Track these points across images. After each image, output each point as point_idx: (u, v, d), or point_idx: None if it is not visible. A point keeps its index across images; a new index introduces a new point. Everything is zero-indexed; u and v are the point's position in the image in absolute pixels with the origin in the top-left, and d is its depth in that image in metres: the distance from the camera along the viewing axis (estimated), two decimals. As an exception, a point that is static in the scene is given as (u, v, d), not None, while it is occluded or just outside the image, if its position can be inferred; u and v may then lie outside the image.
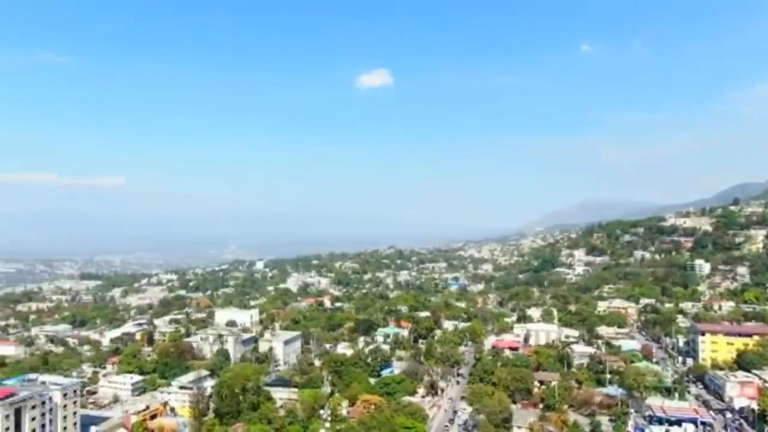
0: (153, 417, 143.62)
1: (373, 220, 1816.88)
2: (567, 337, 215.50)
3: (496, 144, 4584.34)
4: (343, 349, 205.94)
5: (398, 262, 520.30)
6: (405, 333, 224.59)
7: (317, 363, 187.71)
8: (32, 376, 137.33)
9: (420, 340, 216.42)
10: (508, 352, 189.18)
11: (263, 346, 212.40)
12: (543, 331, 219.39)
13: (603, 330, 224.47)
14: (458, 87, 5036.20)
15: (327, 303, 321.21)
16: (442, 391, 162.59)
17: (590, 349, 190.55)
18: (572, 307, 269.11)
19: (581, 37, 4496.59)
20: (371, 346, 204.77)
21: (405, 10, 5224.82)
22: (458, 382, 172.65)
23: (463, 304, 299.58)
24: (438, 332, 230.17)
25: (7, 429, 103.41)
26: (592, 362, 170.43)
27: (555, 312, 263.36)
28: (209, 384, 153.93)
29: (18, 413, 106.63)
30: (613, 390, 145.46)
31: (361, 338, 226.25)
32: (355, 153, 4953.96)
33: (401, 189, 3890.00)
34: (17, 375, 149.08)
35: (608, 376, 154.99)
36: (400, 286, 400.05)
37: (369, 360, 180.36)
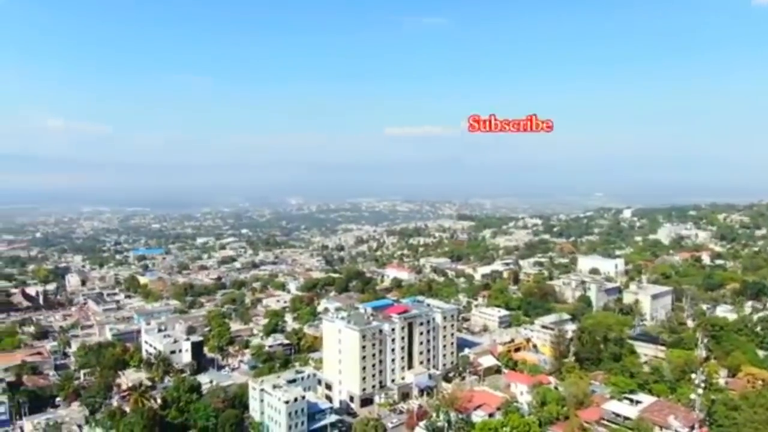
0: (517, 350, 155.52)
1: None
2: None
3: None
4: (724, 312, 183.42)
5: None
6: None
7: (690, 323, 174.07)
8: (420, 298, 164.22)
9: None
10: None
11: (628, 298, 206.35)
12: None
13: None
14: None
15: (705, 259, 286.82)
16: None
17: None
18: None
19: None
20: (761, 314, 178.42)
21: None
22: None
23: None
24: None
25: (403, 338, 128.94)
26: None
27: None
28: (570, 327, 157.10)
29: (410, 326, 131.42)
30: None
31: (749, 303, 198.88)
32: (747, 81, 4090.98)
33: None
34: (409, 296, 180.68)
35: None
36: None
37: (758, 329, 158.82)
